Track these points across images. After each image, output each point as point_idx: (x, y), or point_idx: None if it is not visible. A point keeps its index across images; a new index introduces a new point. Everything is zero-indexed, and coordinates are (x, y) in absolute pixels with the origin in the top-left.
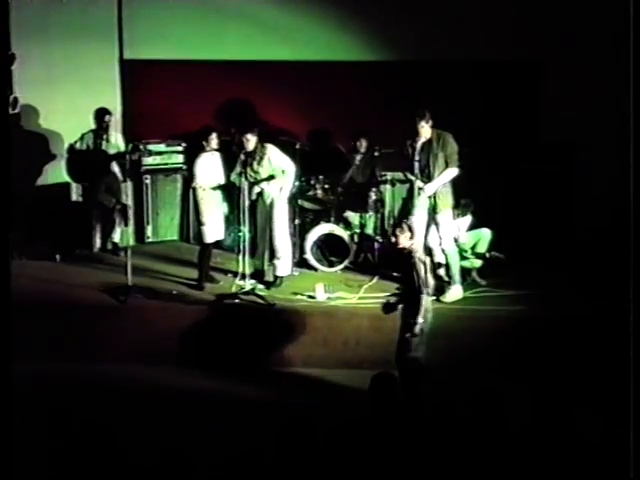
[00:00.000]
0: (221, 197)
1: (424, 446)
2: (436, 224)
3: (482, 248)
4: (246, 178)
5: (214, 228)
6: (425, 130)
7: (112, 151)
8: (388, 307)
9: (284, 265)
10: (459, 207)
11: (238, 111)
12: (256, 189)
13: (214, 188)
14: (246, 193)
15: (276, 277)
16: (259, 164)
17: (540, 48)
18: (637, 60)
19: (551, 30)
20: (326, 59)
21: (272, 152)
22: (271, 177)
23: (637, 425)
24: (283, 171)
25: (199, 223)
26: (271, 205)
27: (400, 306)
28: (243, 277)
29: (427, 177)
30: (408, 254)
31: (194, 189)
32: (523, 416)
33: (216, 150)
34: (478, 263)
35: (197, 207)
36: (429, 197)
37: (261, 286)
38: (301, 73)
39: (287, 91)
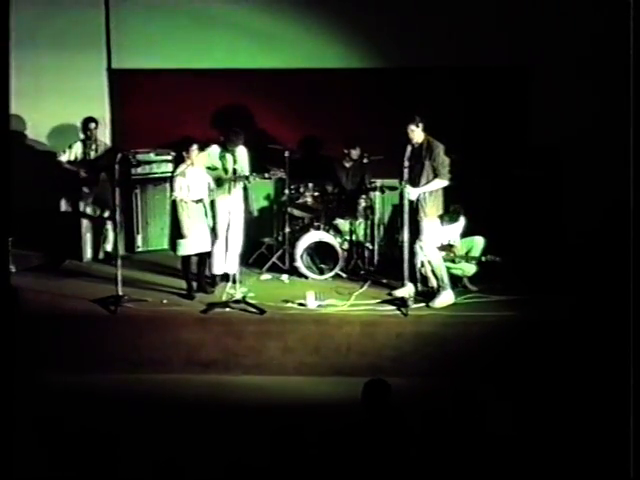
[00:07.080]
0: (204, 209)
1: (416, 452)
2: (419, 230)
3: (476, 254)
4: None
5: (195, 241)
6: (416, 134)
7: (101, 161)
8: None
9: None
10: (448, 213)
11: (228, 119)
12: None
13: (196, 201)
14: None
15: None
16: (234, 162)
17: (528, 53)
18: (637, 60)
19: (538, 35)
20: (315, 67)
21: (242, 153)
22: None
23: (637, 425)
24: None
25: (179, 236)
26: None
27: None
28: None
29: (414, 184)
30: None
31: (174, 202)
32: (515, 421)
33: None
34: (470, 270)
35: (178, 220)
36: (414, 202)
37: (252, 294)
38: (290, 81)
39: (277, 99)
